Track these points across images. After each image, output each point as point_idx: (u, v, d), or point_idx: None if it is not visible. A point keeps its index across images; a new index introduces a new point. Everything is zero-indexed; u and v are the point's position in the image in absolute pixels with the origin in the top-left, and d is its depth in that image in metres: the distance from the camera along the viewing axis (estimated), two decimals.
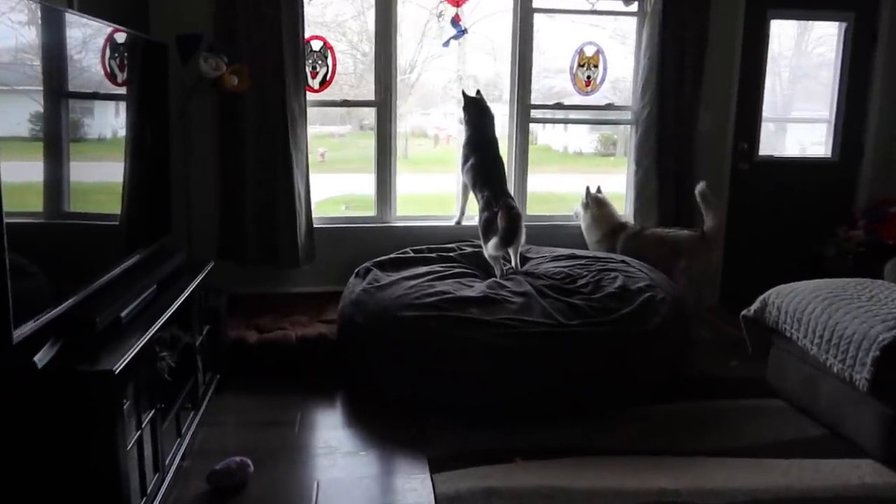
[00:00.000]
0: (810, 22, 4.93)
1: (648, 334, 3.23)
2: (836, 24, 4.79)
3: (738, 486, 2.57)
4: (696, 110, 4.46)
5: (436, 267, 3.74)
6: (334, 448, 2.86)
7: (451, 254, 4.00)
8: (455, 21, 4.31)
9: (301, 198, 4.10)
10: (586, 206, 4.35)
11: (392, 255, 3.93)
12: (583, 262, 3.87)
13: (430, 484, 2.56)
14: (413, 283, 3.48)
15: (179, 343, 2.67)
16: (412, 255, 3.96)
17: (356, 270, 3.80)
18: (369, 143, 4.47)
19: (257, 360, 3.48)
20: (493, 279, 3.65)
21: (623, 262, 3.88)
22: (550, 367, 3.08)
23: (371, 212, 4.50)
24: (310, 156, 4.18)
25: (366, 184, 4.54)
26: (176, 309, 2.58)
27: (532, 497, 2.47)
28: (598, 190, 4.40)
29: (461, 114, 4.17)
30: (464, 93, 4.15)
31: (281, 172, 4.02)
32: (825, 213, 4.89)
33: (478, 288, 3.47)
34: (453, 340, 3.10)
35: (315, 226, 4.23)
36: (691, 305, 3.87)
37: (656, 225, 4.39)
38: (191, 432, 2.77)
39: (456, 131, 4.58)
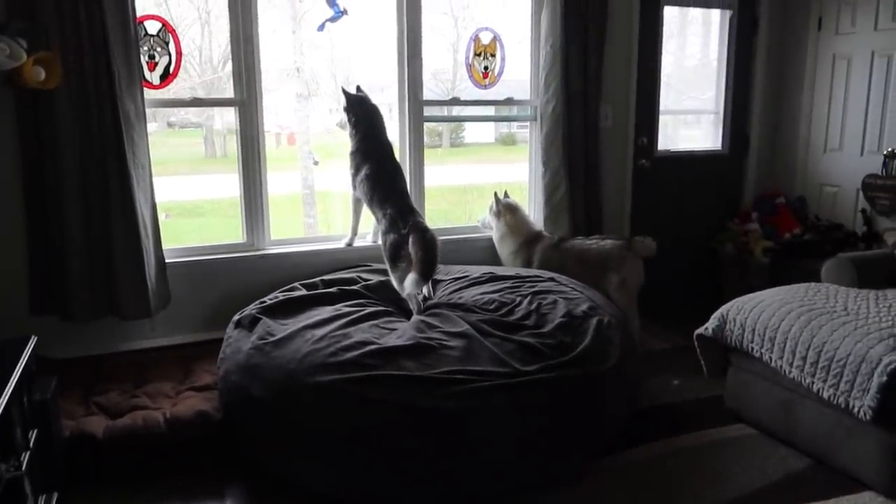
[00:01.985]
0: (695, 10, 4.74)
1: (612, 369, 2.73)
2: (721, 12, 4.64)
3: None
4: (600, 105, 4.08)
5: (341, 307, 2.98)
6: None
7: (353, 286, 3.24)
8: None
9: (147, 225, 3.14)
10: (497, 214, 3.80)
11: (280, 295, 3.09)
12: (509, 284, 3.30)
13: None
14: (320, 332, 2.70)
15: None
16: (305, 292, 3.15)
17: (236, 319, 2.94)
18: (181, 142, 3.60)
19: (110, 460, 2.51)
20: (417, 318, 2.96)
21: (552, 279, 3.37)
22: (516, 427, 2.46)
23: (238, 237, 3.60)
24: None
25: (187, 188, 3.67)
26: None
27: None
28: (506, 195, 3.87)
29: (343, 116, 3.44)
30: (344, 91, 3.43)
31: (116, 195, 3.03)
32: (721, 206, 4.77)
33: (403, 331, 2.77)
34: (390, 410, 2.38)
35: (167, 260, 3.26)
36: (635, 325, 3.46)
37: (569, 234, 3.95)
38: None
39: (298, 129, 3.84)
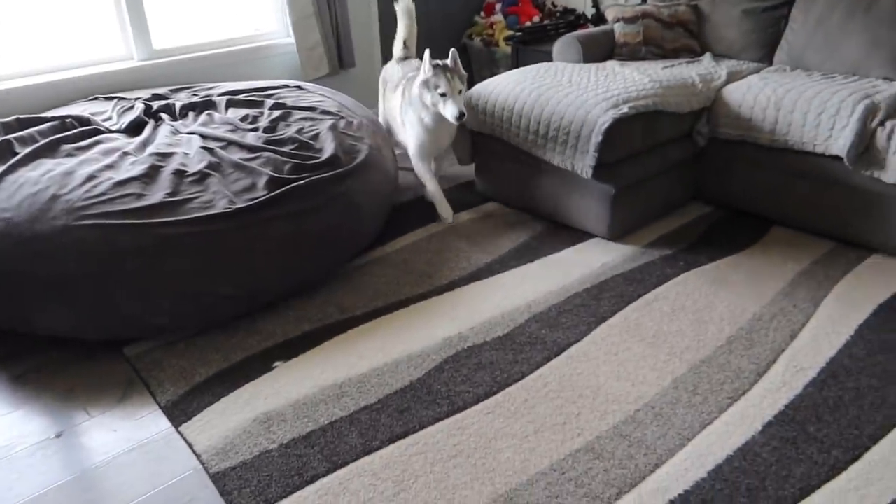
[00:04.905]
0: None
1: (362, 166, 2.75)
2: None
3: (512, 306, 2.43)
4: None
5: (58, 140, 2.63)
6: (6, 445, 1.93)
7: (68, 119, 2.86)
8: None
9: None
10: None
11: None
12: (252, 97, 3.12)
13: (183, 443, 1.88)
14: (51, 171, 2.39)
15: None
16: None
17: None
18: None
19: None
20: (152, 145, 2.71)
21: (298, 87, 3.27)
22: (272, 238, 2.44)
23: None
24: None
25: None
26: None
27: (320, 402, 1.98)
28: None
29: None
30: None
31: None
32: (470, 4, 4.79)
33: (137, 159, 2.54)
34: (132, 240, 2.22)
35: None
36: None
37: (322, 43, 3.76)
38: None
39: None
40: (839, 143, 2.65)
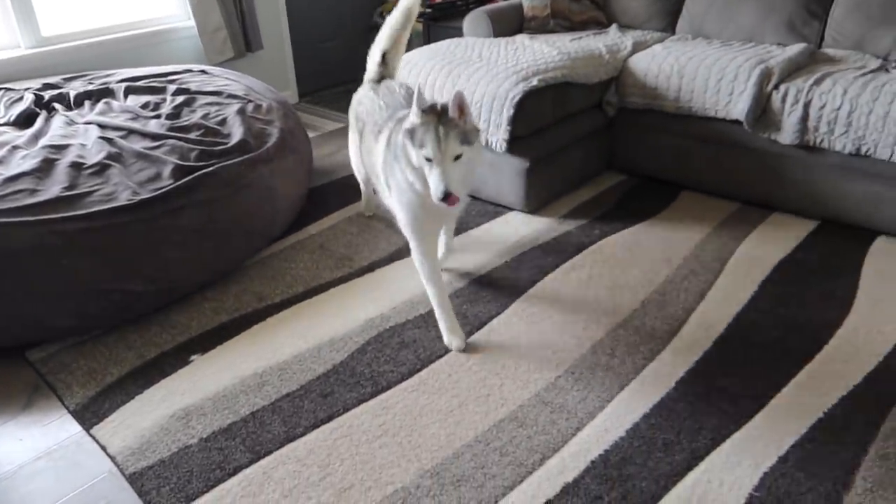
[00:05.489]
0: None
1: (273, 150, 2.69)
2: None
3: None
4: None
5: None
6: None
7: None
8: None
9: None
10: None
11: None
12: (153, 83, 2.99)
13: (96, 446, 1.80)
14: None
15: None
16: None
17: None
18: None
19: None
20: (46, 136, 2.56)
21: (203, 72, 3.15)
22: (180, 228, 2.35)
23: None
24: None
25: None
26: None
27: (240, 393, 1.93)
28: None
29: None
30: None
31: None
32: None
33: (29, 153, 2.40)
34: (32, 238, 2.10)
35: None
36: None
37: (224, 24, 3.63)
38: None
39: None
40: (738, 107, 2.76)
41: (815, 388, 1.91)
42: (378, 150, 2.18)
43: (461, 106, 1.83)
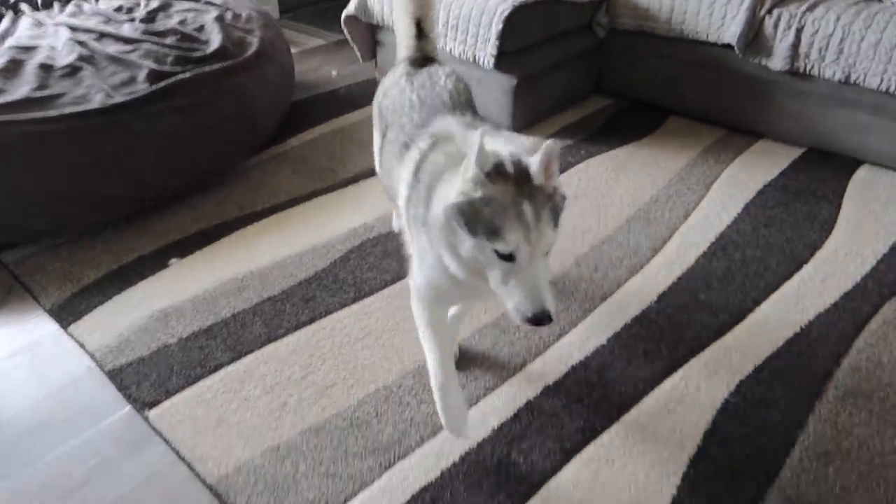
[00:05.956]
0: None
1: (253, 58, 2.59)
2: None
3: None
4: None
5: None
6: None
7: None
8: None
9: None
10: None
11: None
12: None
13: (74, 343, 1.78)
14: None
15: None
16: None
17: None
18: None
19: None
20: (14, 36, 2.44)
21: None
22: (158, 135, 2.28)
23: None
24: None
25: None
26: None
27: (221, 296, 1.91)
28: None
29: None
30: None
31: None
32: None
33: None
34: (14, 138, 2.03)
35: None
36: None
37: None
38: None
39: None
40: (730, 31, 2.70)
41: (794, 305, 1.93)
42: (403, 176, 1.40)
43: (548, 163, 1.14)
